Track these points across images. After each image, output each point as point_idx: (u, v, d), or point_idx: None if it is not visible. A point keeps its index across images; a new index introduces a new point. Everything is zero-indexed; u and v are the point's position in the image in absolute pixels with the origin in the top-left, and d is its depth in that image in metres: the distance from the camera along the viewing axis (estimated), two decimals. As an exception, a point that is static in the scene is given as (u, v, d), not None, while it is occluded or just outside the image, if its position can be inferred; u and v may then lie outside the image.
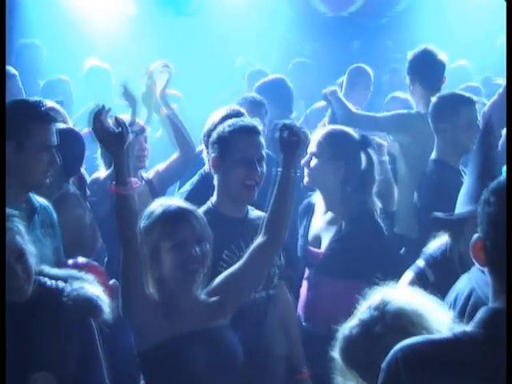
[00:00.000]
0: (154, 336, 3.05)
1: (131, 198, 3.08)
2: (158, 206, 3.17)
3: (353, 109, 5.39)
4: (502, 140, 4.81)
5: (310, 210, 4.31)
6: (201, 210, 3.63)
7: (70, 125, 4.91)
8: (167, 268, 3.10)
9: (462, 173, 4.60)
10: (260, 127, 3.65)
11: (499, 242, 1.91)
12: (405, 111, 5.45)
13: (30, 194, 3.60)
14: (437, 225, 3.48)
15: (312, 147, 4.21)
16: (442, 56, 5.39)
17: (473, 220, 2.43)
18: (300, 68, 7.90)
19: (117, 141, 3.09)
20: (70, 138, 4.05)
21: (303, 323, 4.08)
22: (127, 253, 3.08)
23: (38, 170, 3.54)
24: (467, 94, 4.92)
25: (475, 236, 2.00)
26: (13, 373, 2.84)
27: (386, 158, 5.22)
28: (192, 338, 3.07)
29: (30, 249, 2.99)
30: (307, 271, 4.21)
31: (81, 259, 3.62)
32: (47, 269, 3.13)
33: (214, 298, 3.20)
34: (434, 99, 4.85)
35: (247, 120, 3.67)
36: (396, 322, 2.32)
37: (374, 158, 4.25)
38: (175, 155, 4.89)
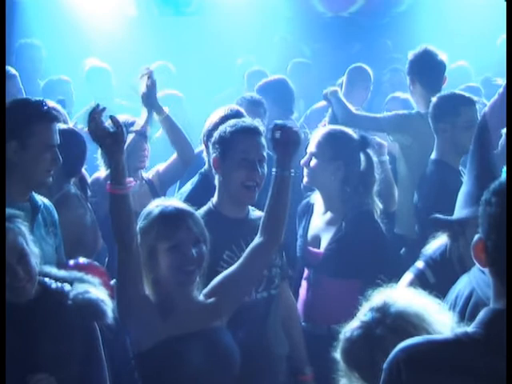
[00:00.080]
0: (151, 337, 3.04)
1: (127, 197, 3.06)
2: (155, 206, 3.16)
3: (353, 109, 5.40)
4: (502, 140, 4.81)
5: (308, 210, 4.31)
6: (202, 211, 3.64)
7: (71, 125, 4.92)
8: (164, 269, 3.09)
9: (462, 173, 4.60)
10: (262, 128, 3.65)
11: (501, 242, 1.91)
12: (405, 111, 5.45)
13: (33, 193, 3.61)
14: (437, 226, 3.48)
15: (311, 147, 4.22)
16: (442, 56, 5.38)
17: (473, 221, 2.44)
18: (299, 68, 7.90)
19: (112, 140, 3.06)
20: (71, 138, 4.06)
21: (302, 323, 4.08)
22: (123, 253, 3.07)
23: (40, 169, 3.55)
24: (467, 94, 4.92)
25: (476, 237, 2.00)
26: (14, 373, 2.85)
27: (386, 157, 5.22)
28: (188, 339, 3.06)
29: (33, 249, 2.99)
30: (306, 271, 4.21)
31: (82, 259, 3.62)
32: (54, 270, 3.14)
33: (210, 300, 3.20)
34: (434, 99, 4.85)
35: (249, 121, 3.67)
36: (397, 324, 2.32)
37: (374, 158, 4.26)
38: (174, 156, 4.89)
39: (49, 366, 2.91)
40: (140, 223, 3.14)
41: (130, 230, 3.06)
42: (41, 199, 3.67)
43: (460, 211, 3.27)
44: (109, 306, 3.00)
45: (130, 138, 4.68)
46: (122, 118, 4.95)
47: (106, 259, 4.42)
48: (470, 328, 1.97)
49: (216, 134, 3.64)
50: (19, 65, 7.04)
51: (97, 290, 3.05)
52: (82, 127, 4.72)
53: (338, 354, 2.45)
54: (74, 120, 5.74)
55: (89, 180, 4.55)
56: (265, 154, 3.62)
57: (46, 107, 3.57)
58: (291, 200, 4.37)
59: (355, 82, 6.50)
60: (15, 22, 8.17)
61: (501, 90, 5.23)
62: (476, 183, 3.23)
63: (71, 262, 3.59)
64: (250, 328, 3.51)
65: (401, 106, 6.06)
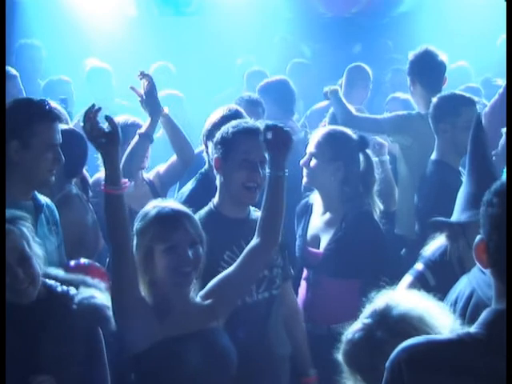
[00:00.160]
0: (147, 338, 3.03)
1: (122, 198, 3.05)
2: (152, 208, 3.14)
3: (353, 110, 5.40)
4: (502, 140, 4.80)
5: (307, 210, 4.31)
6: (203, 211, 3.65)
7: (71, 125, 4.92)
8: (160, 271, 3.08)
9: (462, 173, 4.60)
10: None
11: (503, 243, 1.92)
12: (405, 112, 5.44)
13: (35, 192, 3.62)
14: (438, 228, 3.47)
15: (311, 147, 4.22)
16: (442, 57, 5.38)
17: (474, 222, 2.44)
18: (299, 69, 7.89)
19: (107, 141, 3.05)
20: (72, 139, 4.06)
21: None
22: (118, 254, 3.05)
23: (42, 169, 3.56)
24: (468, 95, 4.92)
25: (478, 238, 2.00)
26: (17, 374, 2.85)
27: (387, 157, 5.23)
28: (185, 340, 3.05)
29: (37, 252, 2.99)
30: (305, 271, 4.22)
31: (83, 260, 3.62)
32: (61, 273, 3.14)
33: (207, 301, 3.19)
34: (434, 100, 4.85)
35: (251, 122, 3.67)
36: (399, 327, 2.31)
37: (373, 158, 4.26)
38: (174, 157, 4.89)
39: (51, 367, 2.91)
40: (137, 224, 3.13)
41: (125, 231, 3.05)
42: (43, 198, 3.68)
43: (461, 213, 3.26)
44: None
45: (134, 139, 4.70)
46: (122, 118, 5.00)
47: (107, 260, 4.42)
48: (473, 328, 1.97)
49: (218, 135, 3.64)
50: (19, 65, 7.04)
51: (102, 295, 3.05)
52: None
53: (339, 356, 2.45)
54: (76, 120, 5.74)
55: (90, 180, 4.55)
56: (266, 155, 3.62)
57: (48, 107, 3.57)
58: (291, 200, 4.41)
59: (354, 81, 6.51)
60: (15, 22, 8.17)
61: (501, 90, 5.24)
62: (476, 184, 3.23)
63: (72, 263, 3.59)
64: (251, 328, 3.51)
65: (401, 106, 6.06)
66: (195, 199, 4.00)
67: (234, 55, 9.12)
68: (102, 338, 3.08)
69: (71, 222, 3.90)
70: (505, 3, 5.00)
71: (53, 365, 2.93)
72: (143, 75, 4.72)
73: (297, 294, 4.16)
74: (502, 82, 5.93)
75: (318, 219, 4.23)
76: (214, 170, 3.67)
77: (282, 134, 3.35)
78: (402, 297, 2.48)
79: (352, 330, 2.44)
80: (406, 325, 2.31)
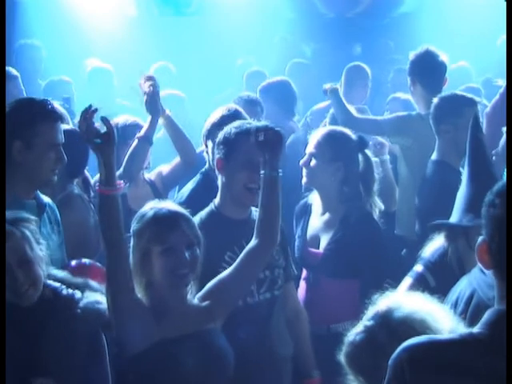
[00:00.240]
0: (144, 340, 3.02)
1: (116, 198, 3.04)
2: (149, 209, 3.13)
3: (353, 111, 5.39)
4: (503, 140, 4.80)
5: (307, 210, 4.31)
6: (204, 212, 3.64)
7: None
8: (157, 272, 3.07)
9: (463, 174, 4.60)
10: None
11: (505, 244, 1.92)
12: (405, 113, 5.44)
13: (38, 192, 3.63)
14: (437, 229, 3.47)
15: (311, 148, 4.22)
16: (443, 57, 5.37)
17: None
18: (298, 69, 7.88)
19: (103, 141, 3.05)
20: (74, 139, 4.05)
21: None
22: (112, 255, 3.03)
23: (45, 168, 3.57)
24: (469, 95, 4.90)
25: (480, 238, 2.01)
26: (18, 375, 2.85)
27: (387, 157, 5.23)
28: (182, 341, 3.05)
29: (39, 254, 2.99)
30: (305, 272, 4.22)
31: (84, 260, 3.62)
32: (67, 276, 3.14)
33: (204, 303, 3.18)
34: (435, 100, 4.84)
35: (254, 123, 3.67)
36: (401, 330, 2.31)
37: (372, 158, 4.27)
38: (177, 159, 4.90)
39: (52, 369, 2.92)
40: (133, 226, 3.12)
41: (119, 232, 3.03)
42: (45, 198, 3.69)
43: (462, 215, 3.25)
44: None
45: (134, 143, 4.70)
46: (122, 118, 5.01)
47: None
48: (475, 329, 1.98)
49: (220, 135, 3.64)
50: (19, 65, 7.02)
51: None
52: None
53: (341, 358, 2.45)
54: (76, 120, 5.73)
55: (91, 181, 4.55)
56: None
57: (50, 107, 3.58)
58: (291, 200, 4.41)
59: (353, 80, 6.52)
60: (15, 23, 8.17)
61: (502, 90, 5.24)
62: (476, 185, 3.23)
63: (73, 263, 3.60)
64: (253, 329, 3.51)
65: (402, 106, 6.06)
66: (195, 199, 4.01)
67: (233, 55, 9.12)
68: (105, 342, 3.09)
69: (73, 222, 3.91)
70: (505, 3, 5.00)
71: (54, 367, 2.93)
72: (147, 78, 4.74)
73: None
74: (502, 82, 5.93)
75: (317, 219, 4.23)
76: (216, 171, 3.67)
77: (274, 134, 3.36)
78: (405, 299, 2.48)
79: (354, 332, 2.45)
80: (408, 327, 2.31)
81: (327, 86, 5.52)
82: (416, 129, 5.15)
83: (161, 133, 5.69)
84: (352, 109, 5.42)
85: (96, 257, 4.00)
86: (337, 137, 4.23)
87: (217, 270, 3.36)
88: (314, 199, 4.28)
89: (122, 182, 3.11)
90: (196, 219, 3.52)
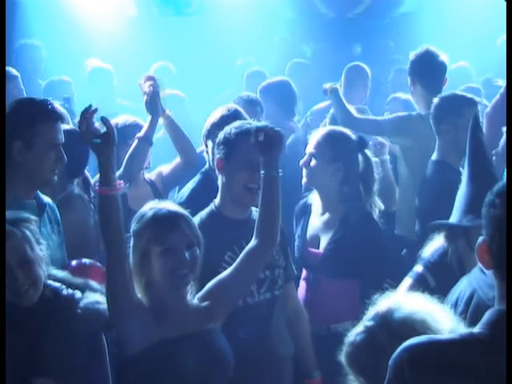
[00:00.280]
0: (143, 340, 3.01)
1: (116, 198, 3.03)
2: (148, 209, 3.13)
3: (353, 111, 5.39)
4: (503, 140, 4.80)
5: (306, 210, 4.31)
6: (204, 212, 3.64)
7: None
8: (157, 272, 3.06)
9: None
10: None
11: (505, 244, 1.92)
12: (405, 114, 5.44)
13: (38, 192, 3.63)
14: (436, 229, 3.47)
15: (311, 148, 4.22)
16: (443, 57, 5.37)
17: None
18: (298, 69, 7.88)
19: (102, 142, 3.05)
20: (74, 139, 4.05)
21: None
22: (111, 256, 3.02)
23: (45, 168, 3.57)
24: (469, 95, 4.90)
25: (481, 239, 2.01)
26: (16, 375, 2.85)
27: (387, 157, 5.23)
28: (182, 341, 3.04)
29: (40, 255, 2.99)
30: (305, 272, 4.22)
31: (84, 260, 3.63)
32: (68, 276, 3.14)
33: (204, 303, 3.18)
34: (435, 100, 4.84)
35: (254, 123, 3.67)
36: (401, 330, 2.31)
37: (372, 158, 4.27)
38: (178, 160, 4.90)
39: (52, 369, 2.92)
40: (133, 226, 3.11)
41: (119, 232, 3.02)
42: (45, 197, 3.68)
43: (463, 215, 3.24)
44: None
45: (134, 143, 4.71)
46: (122, 118, 5.01)
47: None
48: (476, 329, 1.98)
49: (221, 135, 3.64)
50: (19, 65, 7.02)
51: None
52: None
53: (342, 358, 2.45)
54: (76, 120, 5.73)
55: (92, 181, 4.55)
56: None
57: (50, 106, 3.58)
58: (291, 200, 4.42)
59: (353, 80, 6.52)
60: (16, 23, 8.17)
61: (502, 90, 5.24)
62: (477, 185, 3.23)
63: (74, 262, 3.60)
64: (253, 329, 3.51)
65: (402, 106, 6.06)
66: (196, 199, 4.01)
67: (233, 55, 9.12)
68: (105, 343, 3.09)
69: (73, 222, 3.91)
70: (505, 3, 5.00)
71: (54, 367, 2.93)
72: (148, 78, 4.75)
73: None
74: (502, 82, 5.93)
75: (317, 219, 4.23)
76: (216, 171, 3.67)
77: (273, 134, 3.36)
78: (405, 300, 2.48)
79: (354, 333, 2.45)
80: (409, 328, 2.30)
81: (327, 85, 5.52)
82: (416, 129, 5.14)
83: (161, 133, 5.70)
84: (352, 109, 5.42)
85: (96, 257, 4.00)
86: (337, 137, 4.23)
87: (217, 270, 3.36)
88: (314, 199, 4.28)
89: (121, 182, 3.11)
90: (196, 219, 3.52)
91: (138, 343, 3.01)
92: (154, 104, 4.75)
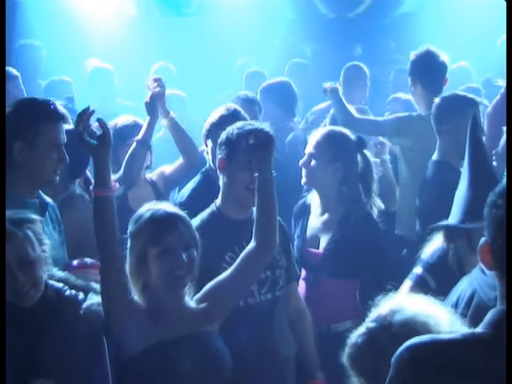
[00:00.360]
0: (141, 342, 3.00)
1: (111, 200, 3.02)
2: (146, 210, 3.11)
3: (353, 112, 5.39)
4: (503, 140, 4.80)
5: (305, 210, 4.32)
6: (205, 213, 3.65)
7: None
8: (154, 274, 3.05)
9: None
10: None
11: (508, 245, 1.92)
12: (405, 114, 5.44)
13: (40, 191, 3.63)
14: (436, 229, 3.47)
15: (310, 148, 4.22)
16: (443, 57, 5.37)
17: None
18: (297, 69, 7.89)
19: (98, 143, 3.05)
20: (75, 139, 4.06)
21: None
22: (106, 257, 3.00)
23: (47, 168, 3.57)
24: (470, 95, 4.90)
25: (483, 239, 2.00)
26: (16, 375, 2.85)
27: (388, 157, 5.23)
28: (179, 343, 3.04)
29: (42, 255, 2.99)
30: (304, 272, 4.21)
31: (86, 259, 3.62)
32: (72, 278, 3.14)
33: (202, 305, 3.17)
34: (436, 100, 4.84)
35: (256, 123, 3.67)
36: (402, 332, 2.30)
37: (371, 159, 4.27)
38: (180, 160, 4.90)
39: (52, 369, 2.92)
40: (130, 227, 3.10)
41: (114, 234, 3.01)
42: (46, 197, 3.68)
43: (463, 215, 3.24)
44: None
45: (132, 146, 4.71)
46: (123, 118, 5.01)
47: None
48: (478, 329, 1.98)
49: (223, 135, 3.63)
50: (19, 65, 7.02)
51: None
52: None
53: (344, 359, 2.45)
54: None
55: (92, 181, 4.55)
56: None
57: (52, 106, 3.58)
58: (291, 201, 4.42)
59: (352, 80, 6.52)
60: (16, 23, 8.16)
61: (502, 90, 5.24)
62: (477, 185, 3.22)
63: (75, 262, 3.59)
64: (254, 329, 3.51)
65: (402, 106, 6.06)
66: (196, 199, 4.02)
67: (233, 55, 9.12)
68: (105, 343, 3.08)
69: (74, 222, 3.90)
70: (505, 3, 5.00)
71: (54, 367, 2.93)
72: (156, 79, 4.77)
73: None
74: (502, 82, 5.93)
75: (316, 219, 4.23)
76: (218, 171, 3.68)
77: (264, 136, 3.36)
78: (407, 302, 2.47)
79: (356, 334, 2.45)
80: (410, 330, 2.30)
81: (327, 84, 5.52)
82: (416, 129, 5.14)
83: (161, 132, 5.70)
84: (352, 109, 5.42)
85: (97, 257, 4.00)
86: (336, 137, 4.23)
87: (217, 270, 3.36)
88: (313, 199, 4.28)
89: (116, 183, 3.10)
90: (197, 220, 3.53)
91: (136, 344, 3.00)
92: (153, 104, 4.75)
